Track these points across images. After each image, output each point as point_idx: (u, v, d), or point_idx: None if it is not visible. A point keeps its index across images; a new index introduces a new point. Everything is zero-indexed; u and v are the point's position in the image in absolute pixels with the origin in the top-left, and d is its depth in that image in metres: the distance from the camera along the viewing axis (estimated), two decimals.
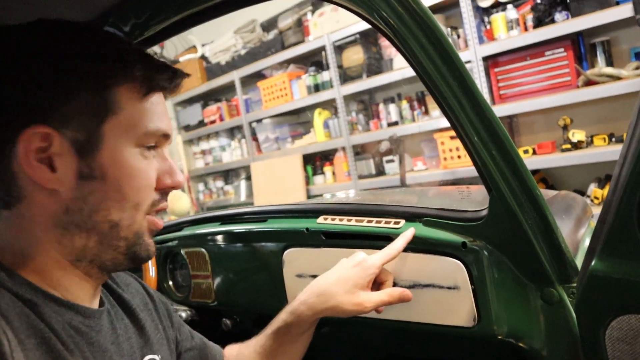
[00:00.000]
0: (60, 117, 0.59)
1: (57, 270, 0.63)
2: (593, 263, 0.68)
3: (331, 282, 0.88)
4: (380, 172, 3.57)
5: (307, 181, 4.00)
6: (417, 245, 0.90)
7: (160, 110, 0.67)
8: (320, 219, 1.05)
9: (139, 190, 0.64)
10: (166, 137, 0.68)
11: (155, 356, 0.76)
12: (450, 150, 3.09)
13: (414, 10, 0.64)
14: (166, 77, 0.67)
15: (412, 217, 0.93)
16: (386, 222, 0.95)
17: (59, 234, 0.62)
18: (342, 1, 0.65)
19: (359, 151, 3.79)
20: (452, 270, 0.86)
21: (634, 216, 0.62)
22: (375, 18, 0.65)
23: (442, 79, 0.69)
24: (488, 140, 0.73)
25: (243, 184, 4.59)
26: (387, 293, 0.87)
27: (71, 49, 0.61)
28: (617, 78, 2.46)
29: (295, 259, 1.07)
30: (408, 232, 0.90)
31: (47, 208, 0.61)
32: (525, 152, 2.85)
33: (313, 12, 3.76)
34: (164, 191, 0.68)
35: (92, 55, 0.62)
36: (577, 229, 1.04)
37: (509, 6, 2.79)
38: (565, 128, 2.70)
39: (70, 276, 0.64)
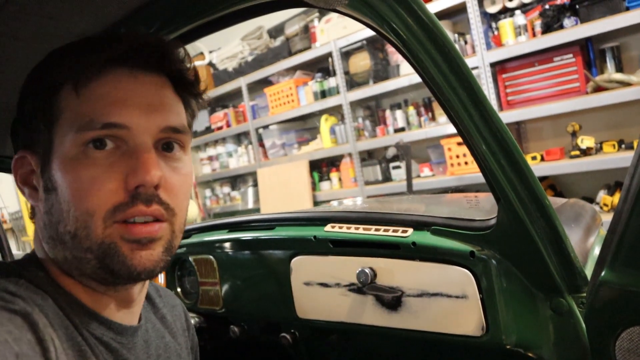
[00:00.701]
0: (31, 139, 0.63)
1: (70, 281, 0.63)
2: (603, 273, 0.68)
3: None
4: (387, 178, 3.57)
5: (314, 187, 4.00)
6: (425, 254, 0.89)
7: (107, 101, 0.58)
8: (328, 227, 1.05)
9: (84, 196, 0.57)
10: (120, 127, 0.58)
11: None
12: (457, 156, 3.08)
13: (422, 20, 0.64)
14: (92, 57, 0.58)
15: (419, 225, 0.93)
16: (394, 231, 0.95)
17: (49, 247, 0.63)
18: (350, 12, 0.65)
19: (366, 157, 3.79)
20: (460, 279, 0.85)
21: None
22: (383, 27, 0.65)
23: (451, 88, 0.69)
24: (496, 149, 0.73)
25: (251, 190, 4.60)
26: None
27: (31, 75, 0.65)
28: (627, 84, 2.45)
29: (302, 266, 1.07)
30: None
31: (39, 223, 0.64)
32: (534, 158, 2.84)
33: (320, 18, 3.78)
34: (135, 193, 0.58)
35: (37, 73, 0.64)
36: (586, 238, 1.03)
37: (517, 12, 2.79)
38: (574, 134, 2.69)
39: (84, 288, 0.63)
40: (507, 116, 2.84)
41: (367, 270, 0.94)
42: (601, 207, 2.60)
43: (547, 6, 2.66)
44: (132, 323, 0.68)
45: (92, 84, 0.58)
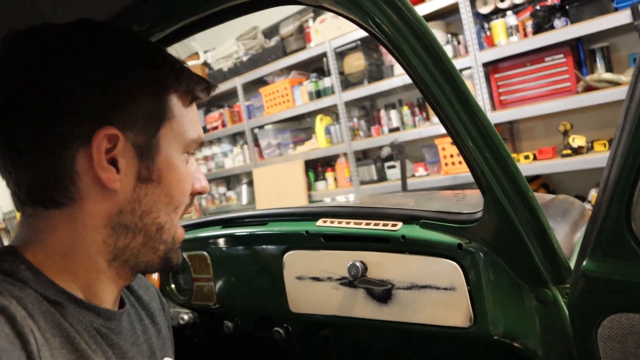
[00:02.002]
0: (124, 119, 0.61)
1: (88, 270, 0.63)
2: (584, 263, 0.70)
3: None
4: (382, 177, 3.59)
5: (309, 187, 4.02)
6: (414, 247, 0.91)
7: (197, 119, 0.70)
8: (320, 222, 1.07)
9: (183, 194, 0.67)
10: (201, 144, 0.71)
11: (170, 359, 0.77)
12: (452, 155, 3.11)
13: (404, 14, 0.66)
14: (202, 88, 0.70)
15: (409, 219, 0.95)
16: (384, 225, 0.97)
17: (106, 235, 0.62)
18: (336, 8, 0.67)
19: (361, 157, 3.81)
20: (449, 271, 0.87)
21: (623, 216, 0.64)
22: (367, 23, 0.67)
23: (435, 83, 0.71)
24: (481, 143, 0.75)
25: (244, 188, 4.61)
26: None
27: (129, 53, 0.63)
28: (617, 84, 2.48)
29: (295, 261, 1.09)
30: None
31: (101, 209, 0.61)
32: (526, 157, 2.87)
33: (314, 19, 3.80)
34: (192, 196, 0.70)
35: (149, 62, 0.64)
36: (573, 232, 1.05)
37: (509, 12, 2.82)
38: (565, 133, 2.72)
39: (100, 277, 0.64)
40: (499, 116, 2.87)
41: (358, 264, 0.96)
42: (592, 205, 2.62)
43: (538, 7, 2.69)
44: (120, 308, 0.69)
45: (193, 105, 0.69)
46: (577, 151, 2.67)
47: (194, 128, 0.68)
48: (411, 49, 0.68)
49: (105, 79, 0.60)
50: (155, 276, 1.33)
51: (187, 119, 0.67)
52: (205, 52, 4.68)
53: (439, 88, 0.72)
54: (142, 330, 0.73)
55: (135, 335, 0.70)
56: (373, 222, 0.99)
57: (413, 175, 3.42)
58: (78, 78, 0.59)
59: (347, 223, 1.02)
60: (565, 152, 2.69)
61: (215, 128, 4.71)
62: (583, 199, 2.70)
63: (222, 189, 5.01)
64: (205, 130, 4.81)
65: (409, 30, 0.67)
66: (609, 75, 2.52)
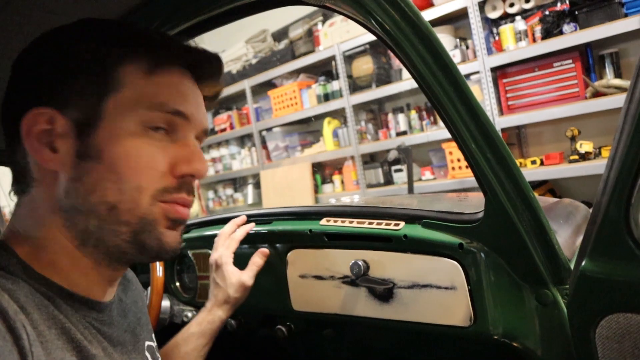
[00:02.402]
0: (61, 98, 0.60)
1: (65, 258, 0.61)
2: (583, 263, 0.70)
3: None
4: (389, 181, 3.59)
5: (316, 190, 4.03)
6: (416, 247, 0.92)
7: (176, 90, 0.64)
8: (323, 221, 1.08)
9: (138, 171, 0.60)
10: (183, 117, 0.63)
11: (152, 343, 0.78)
12: (459, 160, 3.11)
13: (406, 13, 0.67)
14: (178, 55, 0.64)
15: (411, 219, 0.96)
16: (386, 224, 0.98)
17: (63, 218, 0.61)
18: (339, 8, 0.69)
19: (368, 160, 3.82)
20: (450, 271, 0.88)
21: (622, 217, 0.64)
22: (370, 22, 0.69)
23: (438, 83, 0.72)
24: (483, 144, 0.76)
25: (250, 189, 4.63)
26: (253, 261, 1.10)
27: (71, 34, 0.63)
28: (625, 90, 2.47)
29: (298, 259, 1.10)
30: (239, 219, 1.18)
31: (51, 191, 0.61)
32: (533, 162, 2.86)
33: (323, 22, 3.82)
34: (183, 180, 0.63)
35: (96, 37, 0.62)
36: (575, 235, 1.05)
37: (518, 18, 2.82)
38: (573, 139, 2.71)
39: (80, 266, 0.62)
40: (507, 120, 2.86)
41: (360, 263, 0.97)
42: None
43: (547, 12, 2.68)
44: (110, 299, 0.68)
45: (165, 73, 0.63)
46: (584, 157, 2.65)
47: (157, 97, 0.61)
48: (413, 48, 0.69)
49: (43, 60, 0.61)
50: (160, 273, 1.34)
51: (150, 88, 0.61)
52: None
53: (440, 88, 0.73)
54: (133, 315, 0.74)
55: (127, 322, 0.71)
56: (376, 221, 1.00)
57: (420, 179, 3.42)
58: (25, 68, 0.63)
59: (350, 222, 1.03)
60: (572, 157, 2.68)
61: (224, 130, 4.74)
62: (590, 204, 2.68)
63: (229, 191, 5.03)
64: (213, 132, 4.84)
65: (411, 29, 0.68)
66: (617, 81, 2.51)
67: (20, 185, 0.64)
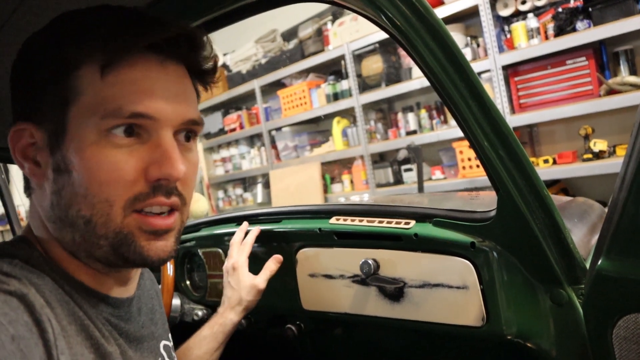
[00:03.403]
0: (38, 111, 0.58)
1: (71, 261, 0.61)
2: (600, 262, 0.68)
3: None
4: (398, 180, 3.57)
5: (325, 189, 4.02)
6: (427, 245, 0.91)
7: (136, 89, 0.56)
8: (333, 220, 1.07)
9: (104, 184, 0.56)
10: (147, 117, 0.57)
11: (168, 342, 0.78)
12: (469, 159, 3.08)
13: (417, 8, 0.66)
14: (134, 43, 0.56)
15: (422, 217, 0.95)
16: (397, 223, 0.96)
17: (54, 228, 0.61)
18: (348, 4, 0.68)
19: (377, 160, 3.81)
20: (461, 270, 0.86)
21: (639, 215, 0.62)
22: (380, 18, 0.68)
23: (449, 79, 0.71)
24: (496, 141, 0.74)
25: (259, 188, 4.64)
26: (267, 266, 1.10)
27: (40, 38, 0.60)
28: None
29: (308, 258, 1.09)
30: (243, 226, 1.20)
31: (42, 203, 0.61)
32: (546, 161, 2.82)
33: (333, 21, 3.81)
34: (157, 184, 0.58)
35: (54, 43, 0.58)
36: (590, 234, 1.03)
37: (530, 15, 2.78)
38: (586, 137, 2.67)
39: (84, 268, 0.62)
40: (519, 119, 2.83)
41: (370, 262, 0.96)
42: None
43: (559, 9, 2.65)
44: (129, 295, 0.68)
45: (121, 69, 0.56)
46: (598, 155, 2.62)
47: (114, 100, 0.55)
48: (424, 43, 0.68)
49: (20, 73, 0.60)
50: (170, 272, 1.34)
51: (106, 91, 0.56)
52: (225, 54, 4.73)
53: (452, 84, 0.72)
54: (150, 313, 0.74)
55: (141, 319, 0.71)
56: (386, 220, 0.99)
57: (430, 179, 3.40)
58: (13, 80, 0.62)
59: (360, 221, 1.02)
60: (586, 156, 2.65)
61: (233, 130, 4.75)
62: (604, 204, 2.64)
63: (238, 191, 5.05)
64: (223, 132, 4.86)
65: (422, 25, 0.67)
66: (632, 79, 2.47)
67: (26, 188, 0.65)
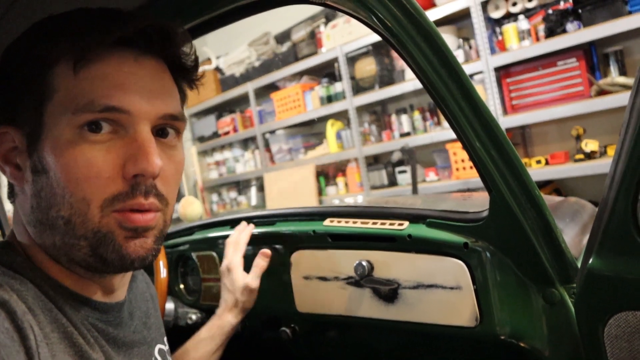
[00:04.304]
0: (16, 115, 0.58)
1: (54, 266, 0.60)
2: (590, 261, 0.69)
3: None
4: (393, 182, 3.58)
5: (320, 192, 4.02)
6: (420, 246, 0.91)
7: (108, 83, 0.56)
8: (327, 222, 1.07)
9: (81, 181, 0.55)
10: (120, 111, 0.56)
11: (164, 347, 0.78)
12: (463, 160, 3.09)
13: (408, 10, 0.66)
14: (103, 39, 0.55)
15: (415, 218, 0.95)
16: (390, 224, 0.97)
17: (35, 232, 0.60)
18: (340, 6, 0.68)
19: (372, 162, 3.81)
20: (455, 270, 0.87)
21: (629, 213, 0.63)
22: (371, 19, 0.68)
23: (441, 80, 0.71)
24: (487, 142, 0.75)
25: (253, 191, 4.63)
26: (255, 263, 1.10)
27: (20, 41, 0.60)
28: (630, 87, 2.45)
29: (302, 260, 1.09)
30: (240, 226, 1.19)
31: (24, 206, 0.61)
32: (538, 162, 2.84)
33: (326, 24, 3.82)
34: (134, 182, 0.57)
35: (30, 44, 0.59)
36: (582, 234, 1.04)
37: (521, 17, 2.81)
38: (578, 138, 2.69)
39: (68, 272, 0.61)
40: (511, 120, 2.85)
41: (364, 263, 0.96)
42: None
43: (550, 11, 2.67)
44: (119, 299, 0.67)
45: (94, 65, 0.56)
46: (590, 156, 2.64)
47: (86, 94, 0.55)
48: (415, 45, 0.68)
49: (1, 77, 0.60)
50: (163, 274, 1.34)
51: (78, 87, 0.56)
52: (218, 57, 4.72)
53: (444, 86, 0.73)
54: (144, 317, 0.73)
55: (133, 324, 0.70)
56: (380, 221, 0.99)
57: (424, 180, 3.41)
58: None
59: (354, 222, 1.03)
60: (578, 156, 2.67)
61: (227, 133, 4.74)
62: (596, 204, 2.66)
63: (233, 194, 5.04)
64: (217, 135, 4.85)
65: (414, 27, 0.67)
66: (622, 79, 2.49)
67: (10, 194, 0.64)
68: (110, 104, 0.55)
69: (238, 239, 1.15)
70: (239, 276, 1.09)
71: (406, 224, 0.95)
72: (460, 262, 0.86)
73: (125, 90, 0.57)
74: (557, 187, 2.99)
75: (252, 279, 1.08)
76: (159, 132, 0.61)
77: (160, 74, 0.62)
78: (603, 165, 2.54)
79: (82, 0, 0.66)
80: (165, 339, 0.80)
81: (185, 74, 0.66)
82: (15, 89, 0.58)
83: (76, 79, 0.56)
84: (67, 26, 0.58)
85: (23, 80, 0.58)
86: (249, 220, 1.27)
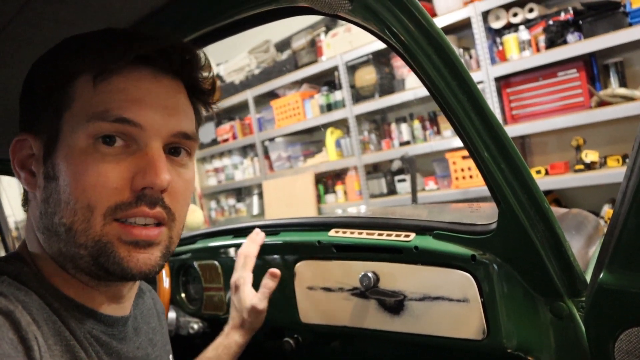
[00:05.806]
0: (34, 123, 0.61)
1: (60, 275, 0.61)
2: (601, 275, 0.68)
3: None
4: (392, 191, 3.58)
5: (319, 200, 4.02)
6: (427, 258, 0.90)
7: (125, 96, 0.58)
8: (332, 232, 1.07)
9: (87, 189, 0.56)
10: (133, 124, 0.58)
11: None
12: (462, 170, 3.10)
13: (421, 24, 0.66)
14: (124, 55, 0.58)
15: (422, 230, 0.94)
16: (397, 235, 0.96)
17: (43, 239, 0.61)
18: (353, 18, 0.68)
19: (371, 170, 3.81)
20: (462, 283, 0.86)
21: None
22: (384, 32, 0.68)
23: (452, 93, 0.71)
24: (497, 154, 0.75)
25: (255, 199, 4.62)
26: (263, 284, 1.07)
27: (46, 57, 0.64)
28: (631, 99, 2.47)
29: (306, 271, 1.09)
30: (253, 234, 1.15)
31: (35, 213, 0.62)
32: (538, 172, 2.85)
33: (326, 32, 3.83)
34: (141, 194, 0.57)
35: (54, 58, 0.62)
36: (587, 246, 1.04)
37: (521, 27, 2.82)
38: (578, 149, 2.70)
39: (74, 282, 0.61)
40: (511, 130, 2.86)
41: (370, 275, 0.96)
42: (605, 221, 2.59)
43: (550, 22, 2.69)
44: (124, 314, 0.67)
45: (113, 79, 0.58)
46: (589, 166, 2.64)
47: (101, 106, 0.57)
48: (427, 57, 0.68)
49: (25, 88, 0.64)
50: (166, 284, 1.33)
51: (97, 98, 0.58)
52: (218, 64, 4.73)
53: (454, 97, 0.72)
54: (150, 333, 0.73)
55: (138, 340, 0.70)
56: (385, 232, 0.98)
57: (423, 189, 3.41)
58: (22, 94, 0.65)
59: (360, 233, 1.02)
60: (577, 167, 2.67)
61: (226, 140, 4.74)
62: (596, 214, 2.66)
63: (231, 201, 5.03)
64: (216, 142, 4.85)
65: (425, 39, 0.67)
66: (623, 91, 2.50)
67: (24, 202, 0.66)
68: (124, 115, 0.57)
69: (248, 252, 1.12)
70: (246, 295, 1.06)
71: (412, 235, 0.95)
72: (467, 274, 0.86)
73: (141, 104, 0.58)
74: (556, 197, 2.99)
75: (260, 301, 1.06)
76: (172, 150, 0.63)
77: (177, 93, 0.63)
78: (603, 176, 2.55)
79: (84, 7, 0.67)
80: (171, 356, 0.80)
81: (201, 95, 0.68)
82: (38, 99, 0.61)
83: (95, 91, 0.58)
84: (92, 43, 0.61)
85: (46, 91, 0.60)
86: (252, 229, 1.26)
